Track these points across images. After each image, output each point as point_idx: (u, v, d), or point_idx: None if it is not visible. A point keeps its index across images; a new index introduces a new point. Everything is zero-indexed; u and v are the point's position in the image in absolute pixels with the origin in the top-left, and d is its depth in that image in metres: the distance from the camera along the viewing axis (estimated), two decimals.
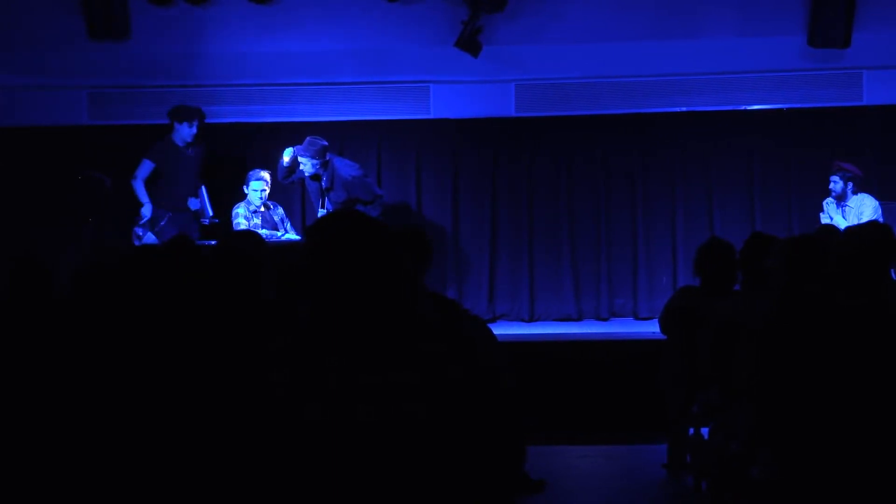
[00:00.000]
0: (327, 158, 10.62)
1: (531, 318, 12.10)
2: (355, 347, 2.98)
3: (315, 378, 2.94)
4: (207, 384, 3.39)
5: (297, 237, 10.69)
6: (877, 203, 10.62)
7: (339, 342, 2.99)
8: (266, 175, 10.86)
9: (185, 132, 10.95)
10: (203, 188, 10.96)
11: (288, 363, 2.99)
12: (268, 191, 10.84)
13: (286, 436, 2.94)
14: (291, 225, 11.04)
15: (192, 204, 10.85)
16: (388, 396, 2.94)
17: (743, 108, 11.95)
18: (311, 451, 2.92)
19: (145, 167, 10.97)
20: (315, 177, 10.66)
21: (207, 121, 11.89)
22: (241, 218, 10.64)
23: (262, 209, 10.78)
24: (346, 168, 10.73)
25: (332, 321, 3.02)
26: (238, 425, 3.09)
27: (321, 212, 10.70)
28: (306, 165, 10.63)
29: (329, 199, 10.70)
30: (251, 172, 10.89)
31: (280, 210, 10.97)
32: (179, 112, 11.01)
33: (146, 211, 10.85)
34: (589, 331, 11.31)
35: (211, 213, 10.85)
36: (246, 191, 10.76)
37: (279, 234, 10.64)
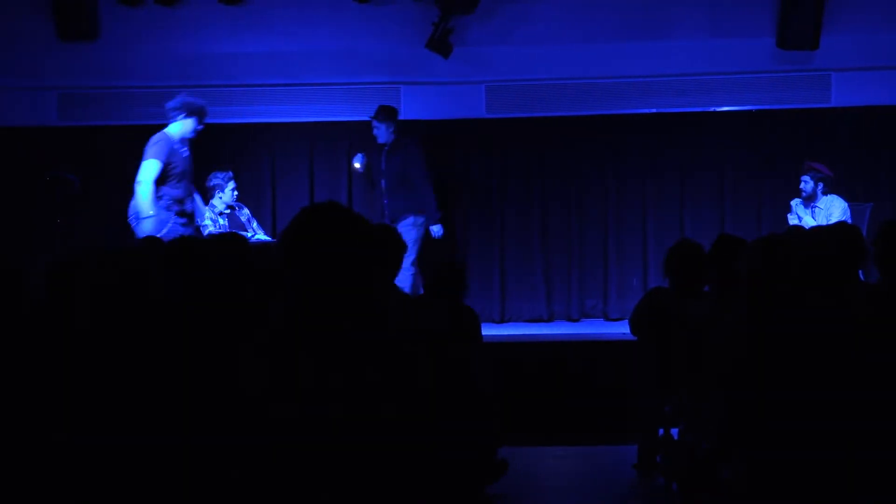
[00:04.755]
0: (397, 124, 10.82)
1: (502, 320, 12.12)
2: (327, 345, 2.98)
3: (288, 377, 2.95)
4: (182, 385, 3.38)
5: (267, 238, 10.63)
6: (846, 204, 10.67)
7: (312, 340, 2.99)
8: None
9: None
10: None
11: (262, 362, 2.99)
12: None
13: (260, 435, 2.95)
14: (259, 224, 10.96)
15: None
16: (359, 395, 2.94)
17: (713, 109, 12.00)
18: (284, 450, 2.93)
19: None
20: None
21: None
22: (208, 220, 10.51)
23: (227, 210, 10.67)
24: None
25: (304, 319, 3.02)
26: (212, 426, 3.09)
27: (383, 183, 10.83)
28: (380, 131, 10.75)
29: (387, 168, 10.80)
30: (222, 174, 10.73)
31: (246, 210, 10.86)
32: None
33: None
34: (560, 332, 11.33)
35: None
36: (220, 194, 10.62)
37: (248, 234, 10.56)
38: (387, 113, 10.73)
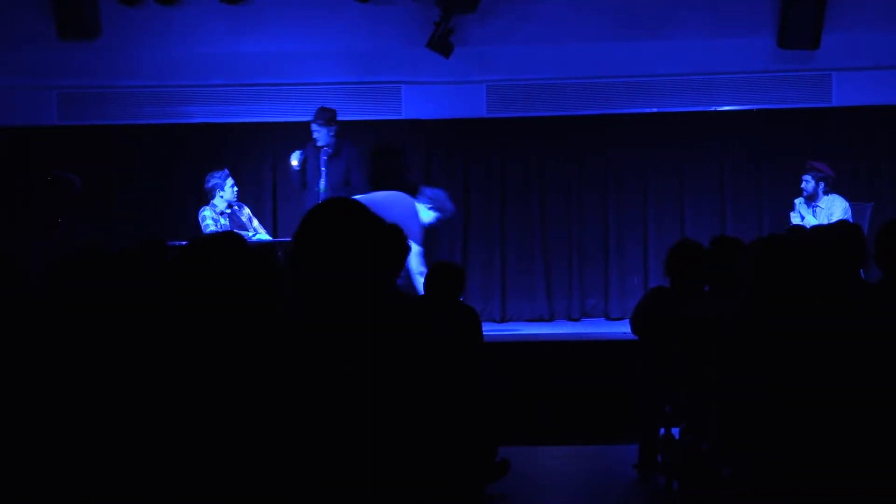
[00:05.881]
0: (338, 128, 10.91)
1: (503, 319, 12.11)
2: (328, 345, 2.98)
3: (288, 377, 2.94)
4: (181, 385, 3.38)
5: (268, 237, 10.62)
6: (847, 204, 10.67)
7: (312, 339, 2.98)
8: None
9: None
10: None
11: (261, 362, 2.99)
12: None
13: (259, 435, 2.94)
14: (260, 223, 10.93)
15: None
16: (359, 395, 2.94)
17: (713, 108, 11.99)
18: (283, 449, 2.93)
19: None
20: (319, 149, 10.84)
21: (176, 121, 11.87)
22: (210, 220, 10.48)
23: (228, 210, 10.64)
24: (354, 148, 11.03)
25: (305, 318, 3.02)
26: (212, 425, 3.09)
27: (321, 183, 10.78)
28: (320, 134, 10.80)
29: (329, 171, 10.79)
30: (219, 173, 10.71)
31: (247, 210, 10.84)
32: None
33: None
34: (560, 331, 11.31)
35: None
36: (220, 193, 10.59)
37: (249, 234, 10.54)
38: (328, 116, 10.76)
